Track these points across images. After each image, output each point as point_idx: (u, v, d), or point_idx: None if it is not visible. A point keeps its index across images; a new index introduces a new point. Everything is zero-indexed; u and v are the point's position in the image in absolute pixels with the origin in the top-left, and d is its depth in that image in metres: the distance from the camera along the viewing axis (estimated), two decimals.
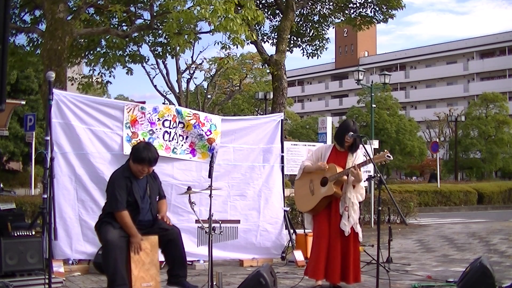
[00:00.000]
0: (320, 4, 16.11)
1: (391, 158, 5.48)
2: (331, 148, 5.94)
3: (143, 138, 6.91)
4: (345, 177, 5.65)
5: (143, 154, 5.29)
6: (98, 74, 14.33)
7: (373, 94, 18.31)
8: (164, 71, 25.30)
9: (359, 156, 5.80)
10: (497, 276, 5.44)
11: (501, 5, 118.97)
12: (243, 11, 9.87)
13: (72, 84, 14.09)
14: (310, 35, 16.53)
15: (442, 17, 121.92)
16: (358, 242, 5.80)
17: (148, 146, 5.47)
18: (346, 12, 16.02)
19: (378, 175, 5.27)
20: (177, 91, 26.43)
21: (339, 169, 5.64)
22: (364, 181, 8.59)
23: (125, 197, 5.18)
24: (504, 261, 8.04)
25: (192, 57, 31.02)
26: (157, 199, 5.56)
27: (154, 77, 27.82)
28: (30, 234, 6.01)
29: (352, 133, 5.66)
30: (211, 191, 5.24)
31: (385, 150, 5.60)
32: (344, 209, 5.66)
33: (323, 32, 16.62)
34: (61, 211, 6.49)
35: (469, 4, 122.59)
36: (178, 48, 10.56)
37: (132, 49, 14.17)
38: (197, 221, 5.34)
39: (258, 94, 27.68)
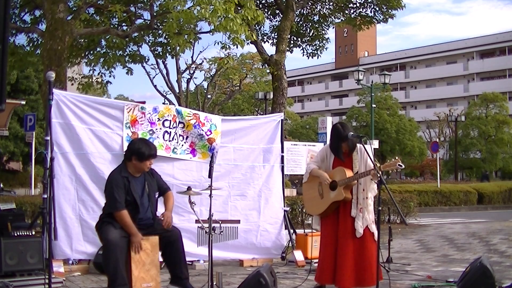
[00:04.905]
0: (320, 4, 16.12)
1: (403, 166, 5.23)
2: None
3: (140, 137, 6.89)
4: (355, 181, 5.47)
5: (151, 151, 5.33)
6: (98, 74, 14.35)
7: (373, 94, 18.35)
8: (164, 71, 25.34)
9: (361, 150, 5.55)
10: (497, 276, 5.44)
11: (497, 6, 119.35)
12: (243, 11, 9.88)
13: (72, 84, 14.09)
14: (310, 35, 16.52)
15: (438, 17, 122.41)
16: (374, 242, 5.39)
17: (145, 141, 5.54)
18: (346, 12, 16.02)
19: (379, 175, 5.22)
20: (177, 91, 26.44)
21: (348, 172, 5.44)
22: None
23: (123, 197, 5.18)
24: (504, 261, 8.04)
25: (192, 57, 30.96)
26: (156, 196, 5.54)
27: (154, 77, 27.87)
28: (30, 234, 6.01)
29: (351, 133, 5.45)
30: (211, 191, 5.24)
31: (397, 158, 5.32)
32: (358, 211, 5.44)
33: (323, 32, 16.63)
34: (61, 211, 6.49)
35: (465, 5, 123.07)
36: (178, 48, 10.56)
37: (132, 49, 14.18)
38: (197, 221, 5.33)
39: (258, 94, 27.74)
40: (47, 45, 9.67)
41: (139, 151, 5.28)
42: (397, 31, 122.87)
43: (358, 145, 5.58)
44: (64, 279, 6.11)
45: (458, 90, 60.57)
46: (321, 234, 5.73)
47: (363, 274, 5.37)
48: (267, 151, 7.87)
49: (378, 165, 5.26)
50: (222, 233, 5.37)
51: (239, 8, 10.26)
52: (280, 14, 15.04)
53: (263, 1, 15.80)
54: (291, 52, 16.87)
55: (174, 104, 19.10)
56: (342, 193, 5.43)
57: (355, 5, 15.85)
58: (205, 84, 32.09)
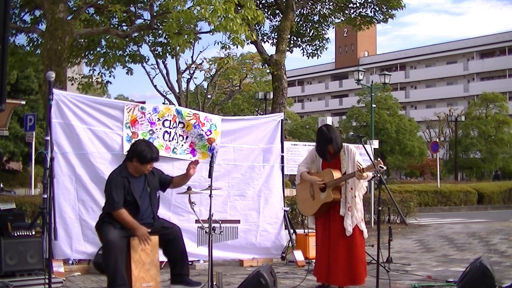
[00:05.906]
0: (320, 4, 16.12)
1: (384, 168, 5.38)
2: None
3: (143, 138, 6.90)
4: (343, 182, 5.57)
5: (154, 154, 5.34)
6: (98, 74, 14.35)
7: (373, 94, 18.32)
8: (164, 71, 25.31)
9: (351, 150, 5.64)
10: (497, 276, 5.44)
11: (496, 6, 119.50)
12: (243, 11, 9.88)
13: (72, 84, 14.10)
14: (310, 35, 16.53)
15: (437, 17, 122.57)
16: (363, 240, 5.65)
17: (148, 144, 5.51)
18: (346, 12, 16.02)
19: (378, 175, 5.24)
20: (177, 91, 26.43)
21: (335, 173, 5.53)
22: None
23: (122, 197, 5.20)
24: (504, 261, 8.04)
25: (192, 57, 30.96)
26: (158, 194, 5.55)
27: (154, 77, 27.87)
28: (30, 234, 6.01)
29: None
30: (211, 191, 5.24)
31: (379, 159, 5.40)
32: (347, 210, 5.54)
33: (323, 32, 16.63)
34: (61, 211, 6.50)
35: (465, 5, 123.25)
36: (178, 48, 10.56)
37: (132, 49, 14.18)
38: (197, 221, 5.34)
39: (258, 94, 27.70)
40: (47, 45, 9.67)
41: (141, 154, 5.28)
42: (396, 31, 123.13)
43: (345, 145, 5.69)
44: (64, 279, 6.11)
45: (458, 90, 60.54)
46: (316, 233, 5.92)
47: (355, 272, 5.51)
48: (267, 151, 7.87)
49: (362, 167, 5.42)
50: (222, 233, 5.37)
51: (239, 8, 10.26)
52: (280, 14, 15.04)
53: (263, 1, 15.80)
54: (291, 52, 16.89)
55: (174, 104, 19.09)
56: (330, 194, 5.56)
57: (355, 5, 15.85)
58: (205, 84, 32.13)
